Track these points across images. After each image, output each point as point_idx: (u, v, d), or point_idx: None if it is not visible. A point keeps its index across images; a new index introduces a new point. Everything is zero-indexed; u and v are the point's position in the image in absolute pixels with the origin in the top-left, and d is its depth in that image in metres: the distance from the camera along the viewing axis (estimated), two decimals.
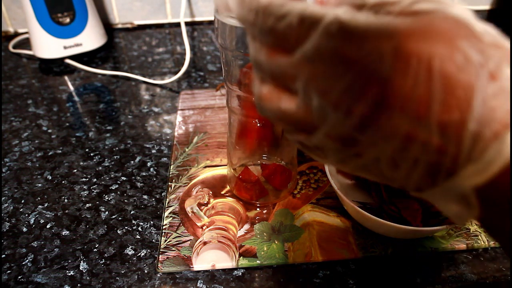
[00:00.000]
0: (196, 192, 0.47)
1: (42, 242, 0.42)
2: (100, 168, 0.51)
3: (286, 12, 0.18)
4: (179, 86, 0.67)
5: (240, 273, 0.39)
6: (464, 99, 0.15)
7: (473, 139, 0.15)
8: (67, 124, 0.59)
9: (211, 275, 0.38)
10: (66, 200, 0.47)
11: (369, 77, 0.16)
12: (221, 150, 0.53)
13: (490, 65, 0.15)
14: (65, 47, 0.73)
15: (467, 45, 0.15)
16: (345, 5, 0.17)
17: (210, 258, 0.39)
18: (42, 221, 0.44)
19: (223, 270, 0.39)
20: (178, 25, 0.88)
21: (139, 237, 0.42)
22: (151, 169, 0.51)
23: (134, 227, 0.43)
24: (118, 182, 0.49)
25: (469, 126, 0.15)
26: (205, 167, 0.50)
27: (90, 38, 0.75)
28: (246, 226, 0.43)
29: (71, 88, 0.68)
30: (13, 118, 0.60)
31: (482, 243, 0.40)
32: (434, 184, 0.17)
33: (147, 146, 0.54)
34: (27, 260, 0.40)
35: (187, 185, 0.47)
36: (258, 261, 0.39)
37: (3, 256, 0.40)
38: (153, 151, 0.54)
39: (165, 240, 0.41)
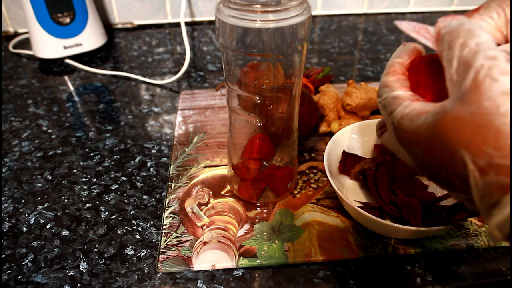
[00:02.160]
0: (196, 192, 0.47)
1: (42, 242, 0.42)
2: (100, 168, 0.51)
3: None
4: (179, 86, 0.67)
5: (240, 273, 0.39)
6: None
7: None
8: (67, 124, 0.59)
9: (211, 275, 0.38)
10: (66, 200, 0.47)
11: None
12: (221, 150, 0.53)
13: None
14: (65, 47, 0.73)
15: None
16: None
17: (210, 258, 0.39)
18: (42, 221, 0.44)
19: (223, 270, 0.39)
20: (178, 25, 0.88)
21: (139, 237, 0.42)
22: (151, 169, 0.51)
23: (134, 227, 0.43)
24: (118, 182, 0.49)
25: None
26: (205, 167, 0.50)
27: (90, 38, 0.75)
28: (246, 226, 0.43)
29: (71, 88, 0.68)
30: (13, 118, 0.60)
31: (482, 243, 0.40)
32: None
33: (147, 146, 0.54)
34: (27, 260, 0.40)
35: (187, 185, 0.47)
36: (258, 261, 0.39)
37: (3, 256, 0.40)
38: (153, 151, 0.54)
39: (165, 240, 0.41)
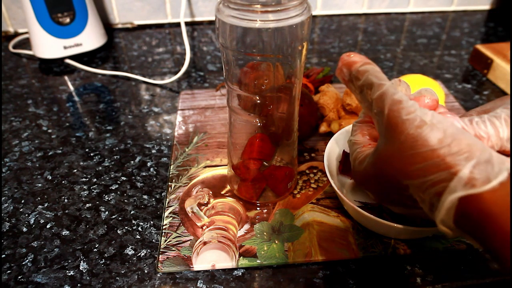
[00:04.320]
0: (196, 192, 0.47)
1: (42, 242, 0.42)
2: (100, 168, 0.51)
3: None
4: (179, 86, 0.67)
5: (240, 273, 0.39)
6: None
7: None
8: (67, 124, 0.59)
9: (211, 275, 0.38)
10: (66, 200, 0.47)
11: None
12: (221, 150, 0.53)
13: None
14: (65, 47, 0.73)
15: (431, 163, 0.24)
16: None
17: (210, 258, 0.39)
18: (42, 221, 0.44)
19: (223, 270, 0.39)
20: (178, 25, 0.88)
21: (139, 237, 0.42)
22: (151, 169, 0.51)
23: (134, 227, 0.43)
24: (118, 182, 0.49)
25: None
26: (205, 167, 0.50)
27: (90, 38, 0.75)
28: (246, 226, 0.43)
29: (71, 88, 0.68)
30: (13, 118, 0.60)
31: None
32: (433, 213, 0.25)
33: (147, 146, 0.54)
34: (27, 260, 0.40)
35: (187, 185, 0.47)
36: (258, 261, 0.39)
37: (3, 256, 0.40)
38: (153, 151, 0.54)
39: (165, 240, 0.41)
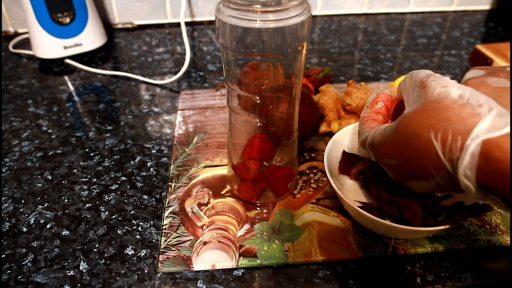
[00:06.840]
0: (196, 192, 0.47)
1: (42, 242, 0.42)
2: (100, 168, 0.51)
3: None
4: (179, 86, 0.67)
5: (240, 273, 0.39)
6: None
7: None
8: (67, 124, 0.59)
9: (211, 275, 0.38)
10: (66, 200, 0.47)
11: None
12: (221, 150, 0.53)
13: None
14: (65, 47, 0.73)
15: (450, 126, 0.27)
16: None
17: (210, 258, 0.39)
18: (42, 221, 0.44)
19: (223, 270, 0.39)
20: (178, 25, 0.88)
21: (139, 237, 0.42)
22: (151, 169, 0.51)
23: (134, 227, 0.43)
24: (118, 182, 0.49)
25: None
26: (205, 167, 0.50)
27: (90, 38, 0.75)
28: (246, 226, 0.43)
29: (71, 88, 0.68)
30: (13, 118, 0.60)
31: (482, 243, 0.40)
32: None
33: (147, 146, 0.54)
34: (27, 260, 0.40)
35: (187, 185, 0.47)
36: (258, 261, 0.39)
37: (3, 256, 0.40)
38: (153, 151, 0.54)
39: (165, 240, 0.41)
